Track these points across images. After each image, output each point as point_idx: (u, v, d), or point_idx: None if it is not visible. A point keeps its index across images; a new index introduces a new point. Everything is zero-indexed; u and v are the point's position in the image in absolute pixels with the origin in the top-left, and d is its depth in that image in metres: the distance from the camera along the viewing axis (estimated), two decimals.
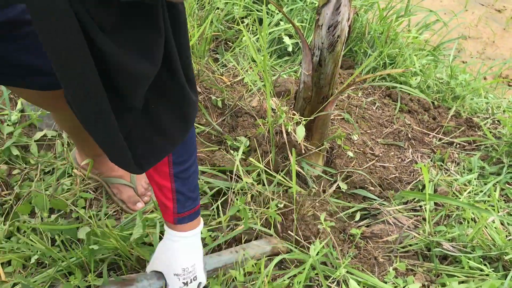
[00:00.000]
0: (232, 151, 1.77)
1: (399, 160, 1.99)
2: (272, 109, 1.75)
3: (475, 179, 1.91)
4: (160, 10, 0.71)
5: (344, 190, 1.74)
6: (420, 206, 1.72)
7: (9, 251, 1.35)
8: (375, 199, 1.72)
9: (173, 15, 0.75)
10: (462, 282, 1.44)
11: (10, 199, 1.53)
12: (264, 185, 1.61)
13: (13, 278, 1.30)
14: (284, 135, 1.63)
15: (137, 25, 0.69)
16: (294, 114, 1.66)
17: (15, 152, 1.64)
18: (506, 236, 1.63)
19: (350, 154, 1.83)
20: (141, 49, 0.71)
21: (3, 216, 1.49)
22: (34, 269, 1.34)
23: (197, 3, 2.48)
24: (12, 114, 1.75)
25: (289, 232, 1.51)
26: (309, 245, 1.47)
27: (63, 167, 1.62)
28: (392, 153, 2.02)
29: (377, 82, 2.45)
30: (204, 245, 1.45)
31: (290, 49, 2.40)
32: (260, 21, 2.63)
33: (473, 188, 1.85)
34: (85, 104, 0.72)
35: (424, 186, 1.83)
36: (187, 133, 1.01)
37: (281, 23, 2.50)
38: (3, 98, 1.79)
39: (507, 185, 1.92)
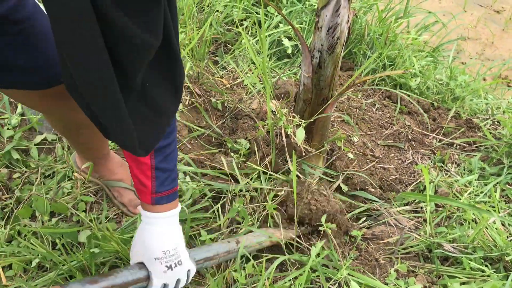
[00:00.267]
0: (232, 154, 1.77)
1: (400, 162, 1.99)
2: (272, 111, 1.75)
3: (475, 180, 1.91)
4: None
5: (345, 192, 1.74)
6: (421, 208, 1.72)
7: (10, 255, 1.35)
8: (376, 201, 1.72)
9: None
10: (464, 283, 1.44)
11: (11, 203, 1.53)
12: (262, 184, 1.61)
13: (14, 282, 1.30)
14: (284, 137, 1.63)
15: None
16: (293, 117, 1.66)
17: (16, 155, 1.64)
18: (507, 237, 1.62)
19: (351, 155, 1.83)
20: (144, 18, 0.69)
21: (4, 220, 1.49)
22: (35, 273, 1.34)
23: (196, 6, 2.49)
24: (12, 118, 1.75)
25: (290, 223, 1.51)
26: (309, 247, 1.47)
27: (63, 171, 1.62)
28: (392, 154, 2.02)
29: (376, 83, 2.45)
30: None
31: (289, 51, 2.41)
32: (260, 24, 2.64)
33: (473, 189, 1.85)
34: (92, 75, 0.70)
35: (424, 188, 1.83)
36: (178, 108, 0.99)
37: (281, 25, 2.50)
38: (3, 102, 1.79)
39: (507, 185, 1.92)
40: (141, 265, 1.12)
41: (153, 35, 0.71)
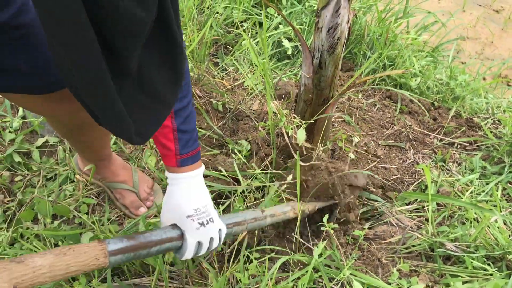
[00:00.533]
0: (233, 155, 1.78)
1: (401, 161, 1.99)
2: (274, 112, 1.76)
3: (476, 179, 1.91)
4: None
5: None
6: (423, 207, 1.72)
7: None
8: (377, 200, 1.72)
9: None
10: (466, 282, 1.44)
11: (13, 206, 1.53)
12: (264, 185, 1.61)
13: None
14: (286, 137, 1.63)
15: None
16: (294, 117, 1.67)
17: (17, 158, 1.65)
18: (509, 235, 1.62)
19: (352, 155, 1.83)
20: None
21: (6, 222, 1.49)
22: None
23: (196, 8, 2.49)
24: (14, 121, 1.75)
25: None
26: (312, 247, 1.47)
27: (65, 173, 1.63)
28: (394, 154, 2.02)
29: (377, 83, 2.46)
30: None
31: (289, 52, 2.41)
32: (260, 25, 2.64)
33: (475, 188, 1.85)
34: (74, 54, 0.65)
35: (426, 187, 1.83)
36: (179, 92, 0.96)
37: (280, 26, 2.51)
38: (4, 105, 1.79)
39: (509, 184, 1.92)
40: (174, 225, 1.13)
41: (145, 10, 0.67)
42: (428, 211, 1.60)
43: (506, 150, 2.04)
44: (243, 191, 1.59)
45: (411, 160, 2.01)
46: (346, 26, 1.44)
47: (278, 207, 1.45)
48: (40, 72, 0.99)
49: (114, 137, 1.77)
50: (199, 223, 1.11)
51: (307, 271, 1.35)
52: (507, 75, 3.79)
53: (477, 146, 2.17)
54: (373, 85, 2.44)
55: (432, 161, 2.03)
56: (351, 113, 2.18)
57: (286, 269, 1.47)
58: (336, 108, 2.17)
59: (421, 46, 2.94)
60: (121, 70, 0.72)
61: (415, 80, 2.45)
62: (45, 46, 0.97)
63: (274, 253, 1.48)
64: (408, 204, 1.75)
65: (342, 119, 2.11)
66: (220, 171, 1.68)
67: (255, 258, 1.39)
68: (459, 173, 1.97)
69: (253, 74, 2.21)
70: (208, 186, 1.62)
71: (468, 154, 2.11)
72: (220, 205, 1.54)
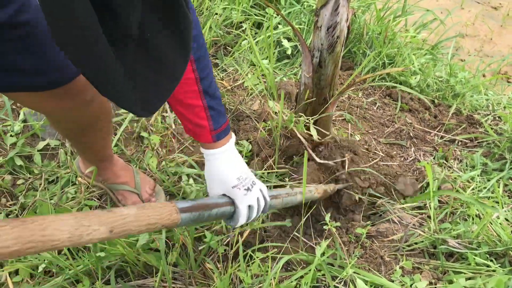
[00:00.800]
0: None
1: (402, 159, 1.99)
2: (275, 112, 1.76)
3: (478, 175, 1.91)
4: None
5: None
6: (424, 204, 1.73)
7: (16, 261, 1.35)
8: (380, 197, 1.72)
9: None
10: (469, 278, 1.44)
11: (15, 209, 1.53)
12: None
13: None
14: (300, 136, 1.64)
15: None
16: (300, 116, 1.67)
17: (19, 162, 1.65)
18: None
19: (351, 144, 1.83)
20: None
21: None
22: (41, 278, 1.35)
23: (196, 9, 2.49)
24: (15, 124, 1.76)
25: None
26: (314, 246, 1.47)
27: (67, 176, 1.63)
28: (395, 152, 2.02)
29: (377, 82, 2.46)
30: (212, 251, 1.45)
31: (289, 52, 2.41)
32: (259, 25, 2.65)
33: (476, 184, 1.85)
34: (65, 12, 0.59)
35: (428, 184, 1.83)
36: (187, 63, 0.88)
37: (280, 26, 2.51)
38: (5, 109, 1.79)
39: (510, 180, 1.92)
40: (223, 195, 1.18)
41: None
42: (430, 208, 1.60)
43: (507, 147, 2.04)
44: None
45: (412, 158, 2.01)
46: (345, 24, 1.44)
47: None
48: (42, 70, 1.00)
49: (115, 139, 1.77)
50: (245, 189, 1.16)
51: (310, 270, 1.35)
52: (506, 72, 3.80)
53: (478, 142, 2.17)
54: (373, 83, 2.44)
55: (433, 158, 2.03)
56: (351, 112, 2.19)
57: (289, 268, 1.47)
58: (337, 107, 2.17)
59: (420, 44, 2.94)
60: (122, 34, 0.68)
61: (415, 78, 2.45)
62: (46, 46, 0.98)
63: (276, 251, 1.48)
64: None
65: (343, 118, 2.11)
66: None
67: (258, 258, 1.39)
68: (460, 170, 1.97)
69: (253, 74, 2.22)
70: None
71: (469, 151, 2.11)
72: None
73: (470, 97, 2.48)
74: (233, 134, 1.23)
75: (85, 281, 1.31)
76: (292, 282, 1.36)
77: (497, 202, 1.73)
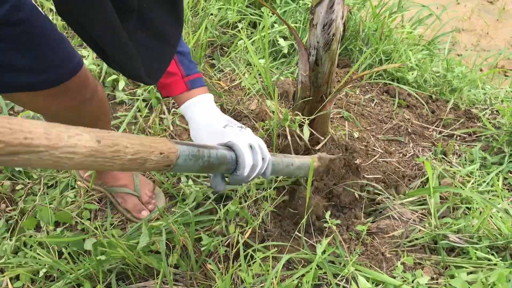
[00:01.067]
0: None
1: (401, 155, 1.99)
2: (273, 111, 1.76)
3: (477, 169, 1.91)
4: None
5: None
6: (425, 200, 1.72)
7: (17, 266, 1.35)
8: (380, 193, 1.72)
9: None
10: (471, 273, 1.44)
11: (15, 215, 1.53)
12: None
13: None
14: (288, 136, 1.64)
15: None
16: (296, 115, 1.67)
17: (17, 167, 1.65)
18: None
19: (351, 144, 1.83)
20: None
21: (9, 231, 1.49)
22: (42, 283, 1.34)
23: (191, 10, 2.49)
24: None
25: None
26: (315, 244, 1.47)
27: (66, 180, 1.63)
28: (393, 148, 2.02)
29: (374, 78, 2.46)
30: (213, 251, 1.45)
31: (285, 50, 2.41)
32: (254, 25, 2.64)
33: (476, 178, 1.85)
34: None
35: (427, 179, 1.83)
36: (180, 31, 0.93)
37: (275, 25, 2.51)
38: (2, 114, 1.79)
39: (509, 174, 1.92)
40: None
41: None
42: (431, 204, 1.60)
43: (506, 140, 2.05)
44: (245, 192, 1.59)
45: (411, 154, 2.01)
46: (341, 22, 1.44)
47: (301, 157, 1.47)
48: (40, 68, 1.00)
49: None
50: (238, 127, 1.08)
51: (311, 269, 1.35)
52: (503, 66, 3.80)
53: (476, 137, 2.17)
54: (370, 80, 2.44)
55: (432, 154, 2.03)
56: (349, 109, 2.18)
57: (290, 267, 1.47)
58: (334, 104, 2.17)
59: (417, 40, 2.94)
60: (126, 7, 0.71)
61: (412, 74, 2.45)
62: (43, 44, 0.98)
63: (277, 251, 1.48)
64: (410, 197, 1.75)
65: (341, 116, 2.11)
66: None
67: (259, 257, 1.39)
68: (459, 164, 1.97)
69: (250, 74, 2.21)
70: (210, 187, 1.63)
71: (468, 145, 2.11)
72: (222, 206, 1.54)
73: (467, 91, 2.48)
74: (211, 95, 1.15)
75: (86, 285, 1.30)
76: (293, 281, 1.36)
77: (497, 196, 1.73)
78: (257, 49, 2.38)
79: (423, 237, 1.55)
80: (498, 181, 1.86)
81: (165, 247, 1.37)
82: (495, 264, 1.44)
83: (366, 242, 1.55)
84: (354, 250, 1.51)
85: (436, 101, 2.38)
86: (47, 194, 1.60)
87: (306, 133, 1.63)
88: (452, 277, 1.44)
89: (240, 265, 1.37)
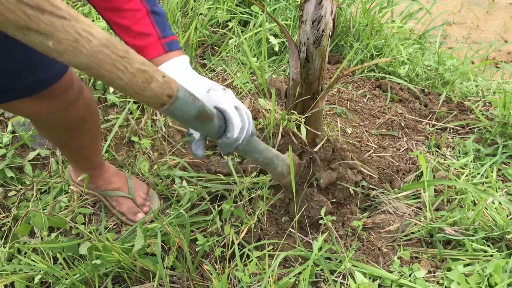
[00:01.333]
0: (226, 156, 1.77)
1: (395, 150, 1.99)
2: (266, 109, 1.75)
3: (471, 161, 1.91)
4: None
5: None
6: (420, 193, 1.72)
7: (11, 273, 1.34)
8: (375, 189, 1.72)
9: None
10: (467, 265, 1.44)
11: (8, 221, 1.52)
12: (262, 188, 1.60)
13: None
14: (291, 135, 1.63)
15: None
16: (292, 113, 1.66)
17: (10, 174, 1.63)
18: (507, 215, 1.63)
19: (345, 146, 1.83)
20: None
21: (3, 238, 1.48)
22: None
23: (180, 11, 2.48)
24: (4, 136, 1.74)
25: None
26: (311, 241, 1.47)
27: (59, 185, 1.62)
28: (387, 143, 2.02)
29: (366, 74, 2.46)
30: (209, 252, 1.44)
31: (276, 48, 2.41)
32: (245, 23, 2.64)
33: (470, 170, 1.85)
34: None
35: (422, 173, 1.83)
36: None
37: (266, 23, 2.50)
38: None
39: (503, 165, 1.93)
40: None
41: None
42: (426, 197, 1.60)
43: (499, 131, 2.05)
44: (240, 192, 1.59)
45: (405, 148, 2.01)
46: (330, 17, 1.44)
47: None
48: (27, 73, 1.00)
49: (106, 145, 1.76)
50: (221, 89, 1.03)
51: (308, 266, 1.35)
52: (495, 57, 3.81)
53: (470, 129, 2.17)
54: (362, 75, 2.44)
55: (426, 147, 2.03)
56: (342, 105, 2.18)
57: (287, 265, 1.47)
58: (327, 101, 2.17)
59: (408, 34, 2.95)
60: None
61: (404, 68, 2.45)
62: (30, 51, 0.97)
63: (273, 249, 1.47)
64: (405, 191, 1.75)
65: (334, 112, 2.11)
66: (215, 172, 1.67)
67: (255, 256, 1.39)
68: (453, 157, 1.97)
69: (242, 73, 2.21)
70: (205, 187, 1.62)
71: (461, 137, 2.12)
72: (216, 206, 1.53)
73: (459, 84, 2.48)
74: (187, 57, 1.10)
75: None
76: (291, 278, 1.35)
77: (492, 187, 1.73)
78: (248, 47, 2.37)
79: (419, 231, 1.55)
80: (492, 172, 1.86)
81: (161, 249, 1.36)
82: (491, 255, 1.44)
83: (362, 238, 1.55)
84: (351, 246, 1.51)
85: (428, 95, 2.38)
86: (40, 199, 1.58)
87: (303, 132, 1.62)
88: (449, 269, 1.44)
89: (236, 265, 1.36)
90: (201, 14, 2.48)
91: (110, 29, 1.28)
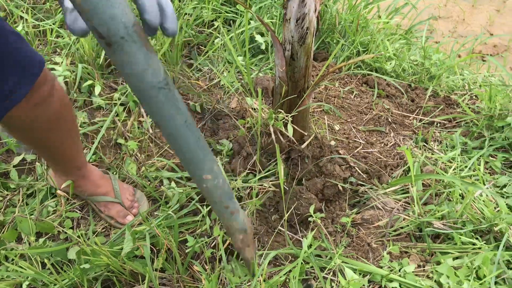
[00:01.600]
0: (215, 156, 1.76)
1: (382, 145, 2.00)
2: (253, 108, 1.75)
3: (458, 155, 1.92)
4: None
5: None
6: (408, 188, 1.73)
7: None
8: (363, 184, 1.73)
9: None
10: (456, 258, 1.46)
11: None
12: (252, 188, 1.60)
13: None
14: (279, 134, 1.63)
15: None
16: (279, 112, 1.66)
17: None
18: (495, 208, 1.64)
19: (333, 143, 1.83)
20: None
21: None
22: None
23: None
24: None
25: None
26: (301, 239, 1.47)
27: (45, 188, 1.60)
28: (375, 138, 2.03)
29: (352, 70, 2.46)
30: (197, 255, 1.44)
31: (263, 47, 2.40)
32: (230, 22, 2.63)
33: (457, 164, 1.86)
34: None
35: (409, 168, 1.84)
36: None
37: (252, 22, 2.50)
38: None
39: (490, 157, 1.94)
40: None
41: None
42: (413, 192, 1.60)
43: (485, 124, 2.06)
44: None
45: (392, 143, 2.02)
46: (314, 15, 1.44)
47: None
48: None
49: (93, 147, 1.75)
50: None
51: (297, 264, 1.35)
52: (481, 51, 3.84)
53: (457, 123, 2.18)
54: (349, 72, 2.44)
55: (413, 142, 2.04)
56: (329, 102, 2.18)
57: (277, 263, 1.47)
58: (314, 98, 2.17)
59: (394, 30, 2.95)
60: None
61: (390, 64, 2.46)
62: (7, 44, 0.96)
63: (263, 248, 1.47)
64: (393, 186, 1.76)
65: (321, 109, 2.11)
66: None
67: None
68: (441, 151, 1.99)
69: (229, 72, 2.20)
70: (194, 187, 1.61)
71: (448, 131, 2.13)
72: (205, 206, 1.52)
73: (446, 78, 2.50)
74: None
75: None
76: (281, 277, 1.35)
77: (479, 180, 1.74)
78: (234, 46, 2.37)
79: (407, 226, 1.56)
80: (479, 165, 1.87)
81: (150, 252, 1.36)
82: (479, 248, 1.46)
83: (352, 234, 1.55)
84: (340, 243, 1.51)
85: (415, 90, 2.39)
86: (27, 204, 1.57)
87: (290, 130, 1.62)
88: (438, 263, 1.45)
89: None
90: (186, 14, 2.47)
91: None
